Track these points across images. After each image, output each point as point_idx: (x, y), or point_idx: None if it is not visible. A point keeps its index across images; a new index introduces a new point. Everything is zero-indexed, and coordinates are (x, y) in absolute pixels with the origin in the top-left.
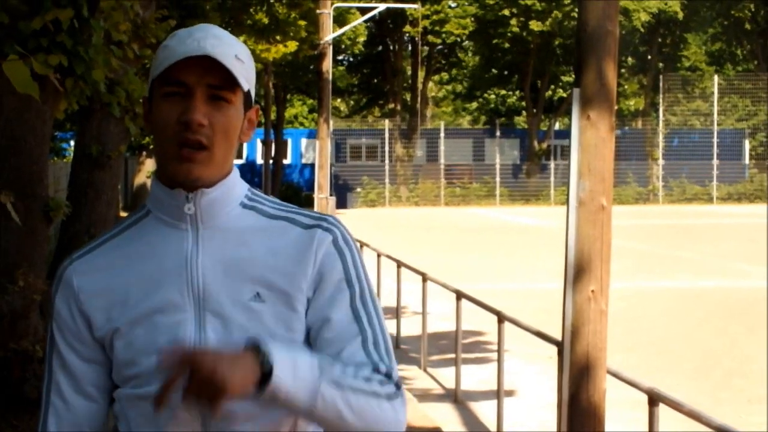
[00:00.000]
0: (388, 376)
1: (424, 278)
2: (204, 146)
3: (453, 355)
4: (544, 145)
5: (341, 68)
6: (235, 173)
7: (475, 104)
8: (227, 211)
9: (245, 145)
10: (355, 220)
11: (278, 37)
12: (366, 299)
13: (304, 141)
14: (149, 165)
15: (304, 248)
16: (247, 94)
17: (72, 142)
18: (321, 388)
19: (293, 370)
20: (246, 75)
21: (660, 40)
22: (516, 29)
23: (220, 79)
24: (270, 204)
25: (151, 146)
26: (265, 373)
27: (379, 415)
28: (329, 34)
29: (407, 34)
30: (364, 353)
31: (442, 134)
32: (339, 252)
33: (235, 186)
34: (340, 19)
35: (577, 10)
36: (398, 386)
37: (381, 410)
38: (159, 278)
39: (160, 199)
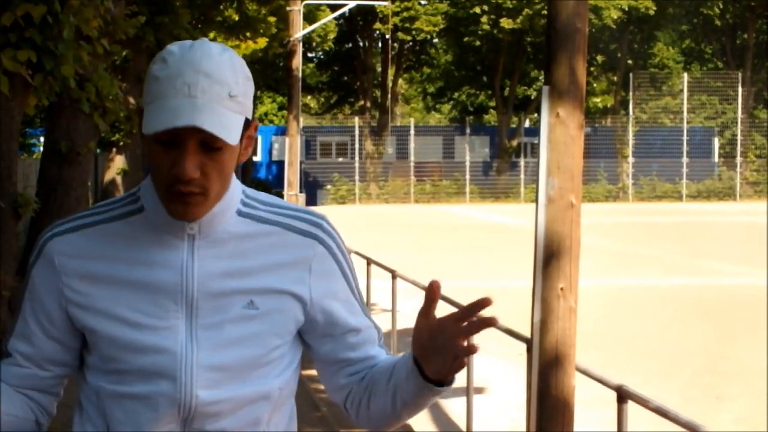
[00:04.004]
0: None
1: (394, 275)
2: (198, 194)
3: None
4: (515, 143)
5: (311, 65)
6: (233, 181)
7: (447, 106)
8: (224, 221)
9: None
10: None
11: (248, 34)
12: (363, 302)
13: (273, 138)
14: (119, 161)
15: (300, 259)
16: (245, 120)
17: (42, 139)
18: None
19: None
20: (241, 109)
21: (630, 37)
22: (487, 27)
23: (210, 136)
24: (264, 209)
25: (122, 143)
26: None
27: None
28: (299, 31)
29: (377, 32)
30: (383, 351)
31: (412, 131)
32: (338, 265)
33: (233, 195)
34: (310, 16)
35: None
36: None
37: None
38: (153, 284)
39: (158, 211)
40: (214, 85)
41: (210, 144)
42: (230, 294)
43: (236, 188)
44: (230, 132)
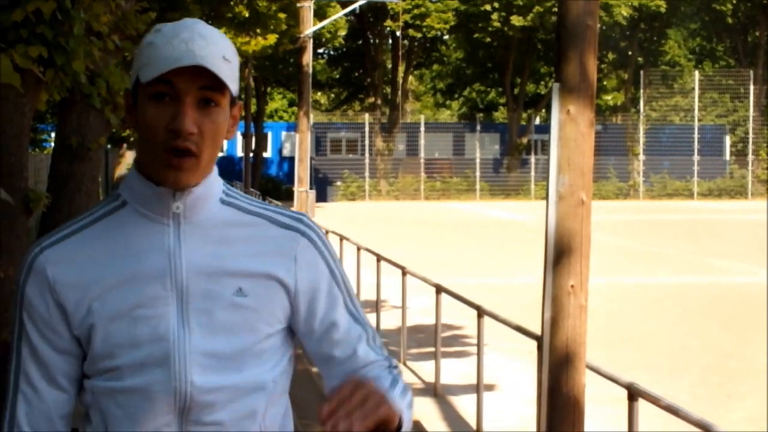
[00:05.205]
0: (393, 366)
1: (404, 272)
2: (193, 153)
3: (432, 349)
4: (525, 140)
5: (321, 62)
6: (215, 169)
7: (457, 103)
8: (208, 207)
9: None
10: (334, 213)
11: (258, 31)
12: (353, 298)
13: (284, 134)
14: (129, 157)
15: (284, 249)
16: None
17: (52, 134)
18: (411, 412)
19: (405, 406)
20: (233, 75)
21: (641, 34)
22: (497, 24)
23: (210, 81)
24: (245, 200)
25: (132, 139)
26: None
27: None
28: (310, 27)
29: (388, 28)
30: (373, 352)
31: (422, 128)
32: (322, 257)
33: (216, 182)
34: (321, 12)
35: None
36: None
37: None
38: (141, 273)
39: (143, 194)
40: (210, 46)
41: (209, 98)
42: (218, 279)
43: (217, 178)
44: (230, 83)
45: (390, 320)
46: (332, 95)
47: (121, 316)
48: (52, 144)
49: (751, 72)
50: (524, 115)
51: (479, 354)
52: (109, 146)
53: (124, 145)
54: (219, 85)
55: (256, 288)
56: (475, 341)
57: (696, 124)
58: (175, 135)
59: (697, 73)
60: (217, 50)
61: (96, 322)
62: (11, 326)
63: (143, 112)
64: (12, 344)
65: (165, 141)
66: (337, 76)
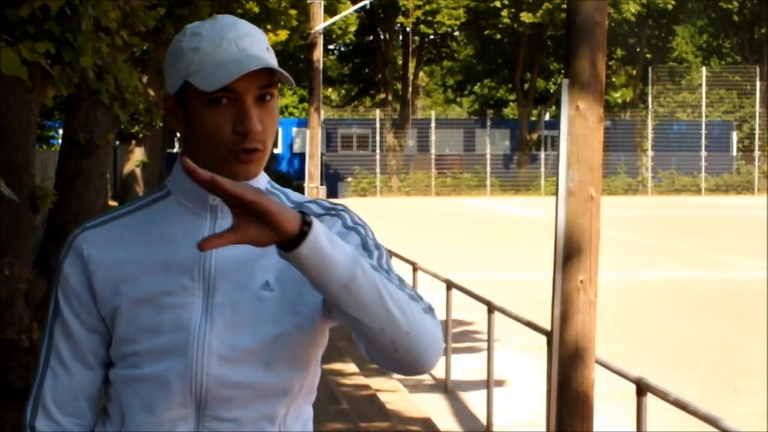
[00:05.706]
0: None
1: (415, 268)
2: (260, 150)
3: (443, 345)
4: (535, 136)
5: (332, 57)
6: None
7: (467, 100)
8: None
9: None
10: None
11: (269, 26)
12: (388, 263)
13: (294, 130)
14: (138, 153)
15: None
16: None
17: (60, 131)
18: (361, 262)
19: (330, 236)
20: (275, 62)
21: (649, 31)
22: (507, 20)
23: (267, 79)
24: (286, 196)
25: (141, 135)
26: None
27: (420, 317)
28: (320, 23)
29: (399, 24)
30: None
31: (432, 124)
32: (355, 231)
33: (261, 176)
34: (331, 8)
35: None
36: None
37: (420, 313)
38: (172, 262)
39: (184, 185)
40: (256, 40)
41: (267, 92)
42: (247, 274)
43: (263, 173)
44: (288, 78)
45: None
46: (343, 91)
47: (147, 301)
48: (60, 141)
49: (758, 68)
50: (534, 111)
51: (489, 350)
52: (117, 143)
53: (133, 142)
54: (274, 79)
55: (285, 280)
56: (485, 337)
57: (703, 120)
58: (244, 137)
59: (704, 69)
60: (261, 43)
61: (122, 304)
62: (47, 306)
63: (200, 117)
64: (45, 323)
65: (234, 144)
66: (348, 72)
